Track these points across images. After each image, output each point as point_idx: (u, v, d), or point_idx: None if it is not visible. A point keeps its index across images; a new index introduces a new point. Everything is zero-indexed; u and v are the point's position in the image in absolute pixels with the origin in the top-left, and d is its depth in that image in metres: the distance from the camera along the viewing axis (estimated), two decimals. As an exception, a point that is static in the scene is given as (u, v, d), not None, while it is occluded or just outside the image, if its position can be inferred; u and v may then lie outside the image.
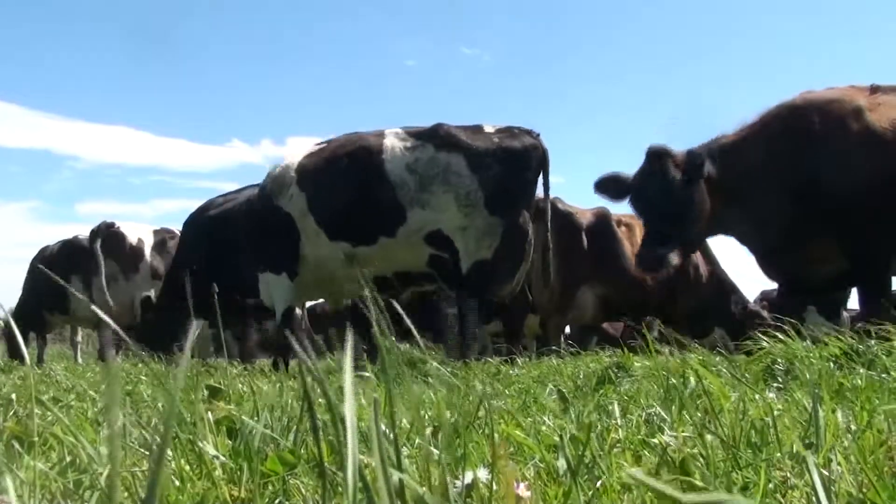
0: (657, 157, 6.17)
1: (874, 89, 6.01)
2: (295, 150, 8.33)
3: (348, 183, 7.43)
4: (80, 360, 12.72)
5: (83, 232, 12.38)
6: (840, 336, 3.69)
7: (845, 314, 8.71)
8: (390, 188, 7.19)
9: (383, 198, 7.18)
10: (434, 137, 7.32)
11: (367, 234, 7.29)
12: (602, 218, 9.97)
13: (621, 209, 7.99)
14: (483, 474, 1.16)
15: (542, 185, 7.53)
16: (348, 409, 0.71)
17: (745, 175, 6.05)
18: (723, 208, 6.13)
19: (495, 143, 7.19)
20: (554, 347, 7.77)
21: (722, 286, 10.28)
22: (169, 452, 1.49)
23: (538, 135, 7.42)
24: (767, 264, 6.44)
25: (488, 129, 7.43)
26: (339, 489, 1.29)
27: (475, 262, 7.06)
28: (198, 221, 9.52)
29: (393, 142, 7.42)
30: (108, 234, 11.71)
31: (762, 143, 6.10)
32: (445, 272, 7.31)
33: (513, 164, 7.15)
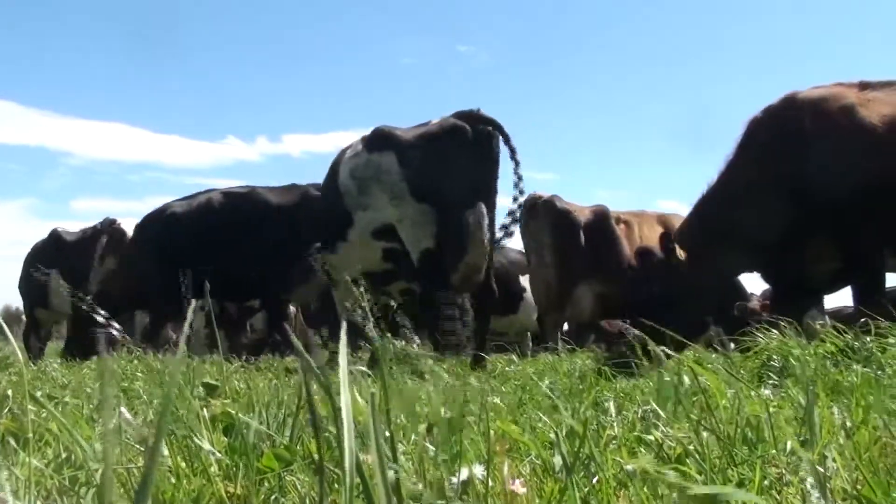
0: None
1: (863, 85, 5.99)
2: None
3: (324, 198, 8.01)
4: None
5: (76, 228, 12.49)
6: (836, 333, 3.69)
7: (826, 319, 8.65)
8: (340, 197, 7.47)
9: (338, 207, 7.47)
10: (370, 141, 7.45)
11: (331, 243, 7.61)
12: (600, 215, 9.96)
13: (620, 206, 8.01)
14: (479, 471, 1.16)
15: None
16: (344, 404, 0.71)
17: (737, 200, 6.09)
18: (723, 253, 6.17)
19: (419, 134, 7.16)
20: (550, 345, 7.78)
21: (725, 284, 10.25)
22: (165, 449, 1.49)
23: (476, 111, 7.18)
24: (769, 273, 6.47)
25: (434, 121, 7.36)
26: (336, 486, 1.29)
27: (420, 252, 7.04)
28: (162, 223, 9.95)
29: (348, 151, 7.67)
30: (110, 231, 11.81)
31: (751, 156, 6.12)
32: (405, 267, 7.32)
33: (432, 150, 7.03)
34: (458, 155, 7.01)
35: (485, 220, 7.02)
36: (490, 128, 7.09)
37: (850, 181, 5.56)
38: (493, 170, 7.16)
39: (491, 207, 7.09)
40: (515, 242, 10.60)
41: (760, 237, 5.98)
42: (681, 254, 6.31)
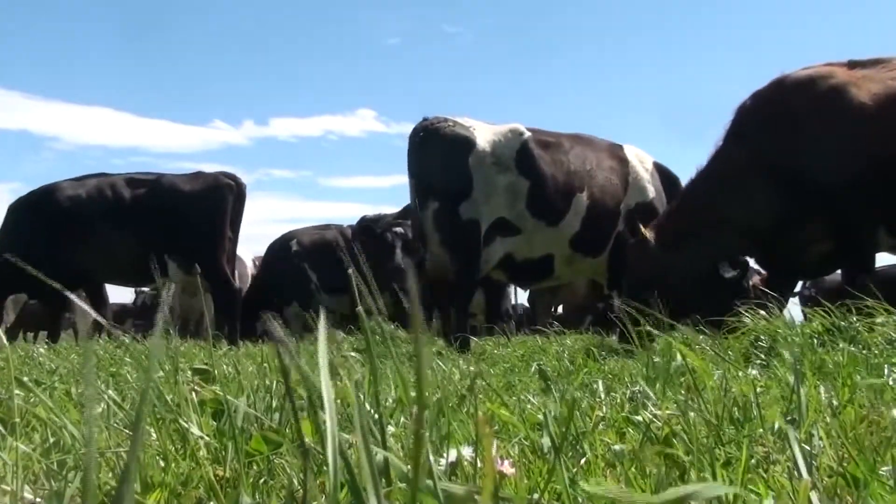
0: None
1: (852, 64, 6.00)
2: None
3: None
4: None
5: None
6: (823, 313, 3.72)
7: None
8: None
9: None
10: None
11: None
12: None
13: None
14: (467, 452, 1.16)
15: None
16: (325, 386, 0.70)
17: (729, 186, 6.08)
18: (713, 238, 6.15)
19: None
20: (540, 327, 7.83)
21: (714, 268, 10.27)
22: (153, 433, 1.49)
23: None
24: (762, 256, 6.48)
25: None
26: (325, 468, 1.29)
27: None
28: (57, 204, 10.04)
29: None
30: None
31: (743, 141, 6.12)
32: None
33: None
34: (409, 159, 7.80)
35: (429, 214, 7.52)
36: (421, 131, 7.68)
37: (842, 161, 5.58)
38: (424, 169, 7.70)
39: (446, 199, 7.46)
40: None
41: (754, 221, 5.98)
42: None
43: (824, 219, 5.78)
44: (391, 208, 13.04)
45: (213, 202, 9.98)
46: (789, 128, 5.86)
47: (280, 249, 13.77)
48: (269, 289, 12.90)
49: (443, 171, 7.45)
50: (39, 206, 9.97)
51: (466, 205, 7.31)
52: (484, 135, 7.57)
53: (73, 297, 1.04)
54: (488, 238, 7.43)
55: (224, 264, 9.93)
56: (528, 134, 7.69)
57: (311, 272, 12.95)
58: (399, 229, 11.45)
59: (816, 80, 5.90)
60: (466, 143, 7.46)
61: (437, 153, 7.50)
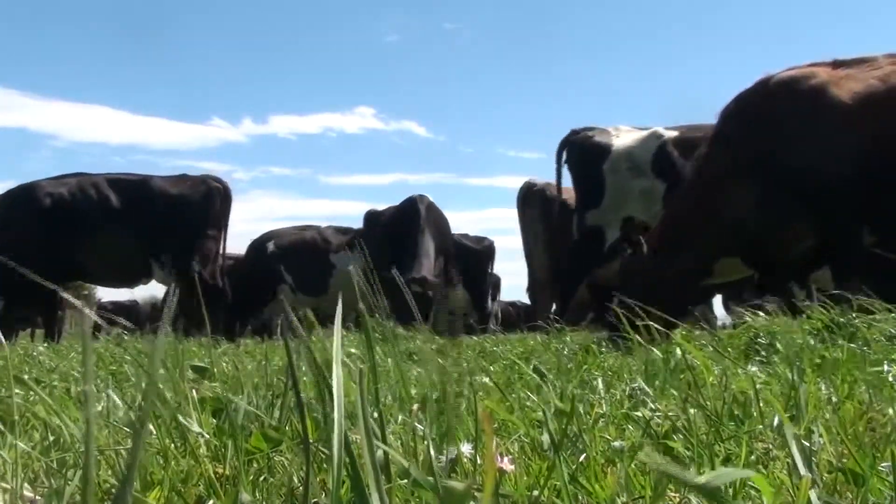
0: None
1: (836, 64, 5.98)
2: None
3: None
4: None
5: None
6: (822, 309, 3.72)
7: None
8: None
9: None
10: None
11: None
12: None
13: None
14: (467, 449, 1.16)
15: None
16: (336, 380, 0.70)
17: (715, 190, 6.07)
18: (703, 243, 6.12)
19: None
20: (540, 323, 7.86)
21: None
22: (153, 431, 1.49)
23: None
24: (750, 257, 6.45)
25: None
26: (325, 465, 1.29)
27: None
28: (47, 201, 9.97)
29: None
30: None
31: (727, 144, 6.11)
32: None
33: None
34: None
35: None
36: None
37: (824, 160, 5.57)
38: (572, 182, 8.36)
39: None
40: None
41: (740, 223, 5.97)
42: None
43: (809, 218, 5.77)
44: (390, 205, 13.01)
45: (202, 204, 10.04)
46: (772, 129, 5.86)
47: (257, 250, 13.65)
48: (247, 290, 12.74)
49: (579, 181, 7.96)
50: (23, 204, 9.90)
51: (594, 212, 7.59)
52: (623, 141, 7.77)
53: (67, 294, 1.04)
54: (621, 247, 7.49)
55: (211, 265, 10.02)
56: (667, 136, 7.68)
57: (287, 274, 12.92)
58: (418, 288, 10.48)
59: (798, 81, 5.88)
60: (602, 152, 7.76)
61: (575, 166, 8.00)
